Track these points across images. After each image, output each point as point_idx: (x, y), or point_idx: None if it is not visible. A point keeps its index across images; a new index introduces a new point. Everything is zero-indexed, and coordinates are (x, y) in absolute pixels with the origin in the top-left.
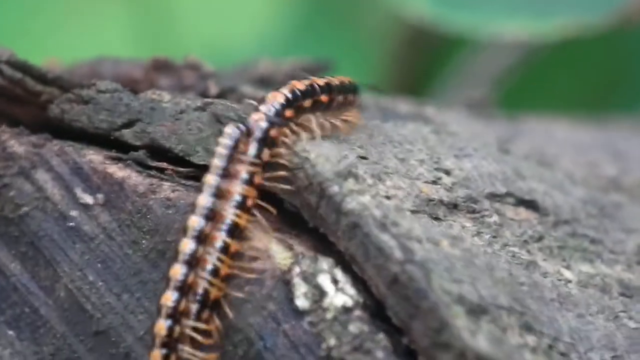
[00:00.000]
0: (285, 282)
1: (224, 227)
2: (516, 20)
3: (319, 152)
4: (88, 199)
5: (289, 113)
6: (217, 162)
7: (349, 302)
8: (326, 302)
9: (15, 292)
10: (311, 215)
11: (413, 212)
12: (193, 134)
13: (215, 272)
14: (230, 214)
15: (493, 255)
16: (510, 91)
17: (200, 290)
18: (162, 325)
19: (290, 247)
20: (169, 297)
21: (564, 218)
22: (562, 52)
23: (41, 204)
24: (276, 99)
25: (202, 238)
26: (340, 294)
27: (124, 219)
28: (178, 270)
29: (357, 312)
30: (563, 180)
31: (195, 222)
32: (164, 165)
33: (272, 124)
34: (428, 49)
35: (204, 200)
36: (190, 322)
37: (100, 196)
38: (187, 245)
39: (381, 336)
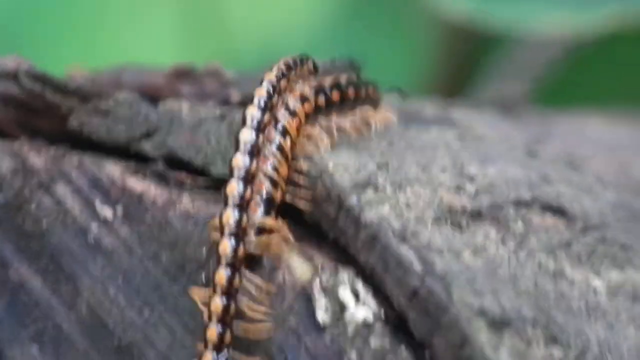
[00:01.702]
0: (305, 295)
1: (279, 127)
2: (558, 13)
3: (337, 162)
4: (107, 212)
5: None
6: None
7: (370, 316)
8: (347, 315)
9: (37, 308)
10: (330, 226)
11: (434, 221)
12: (212, 145)
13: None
14: (283, 117)
15: (518, 265)
16: (551, 88)
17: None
18: (229, 215)
19: (310, 259)
20: (234, 187)
21: (593, 223)
22: (606, 47)
23: (61, 217)
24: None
25: (261, 129)
26: (361, 307)
27: (144, 232)
28: (240, 159)
29: (378, 326)
30: (593, 183)
31: (254, 112)
32: (183, 176)
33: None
34: (469, 44)
35: (262, 91)
36: (257, 215)
37: (119, 209)
38: (249, 136)
39: (403, 350)
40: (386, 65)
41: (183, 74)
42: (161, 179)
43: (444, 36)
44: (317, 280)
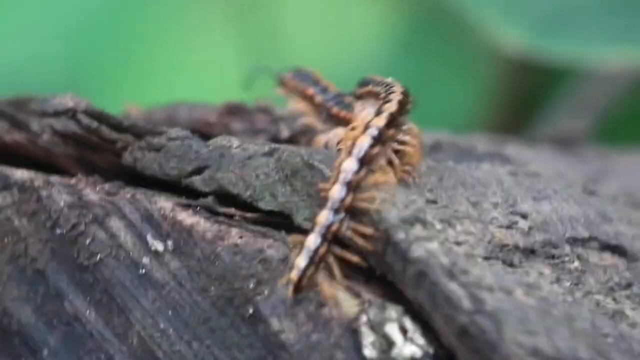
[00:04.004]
0: (352, 331)
1: None
2: (618, 47)
3: (384, 197)
4: (159, 245)
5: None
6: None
7: (418, 353)
8: (394, 352)
9: (91, 339)
10: (378, 262)
11: (485, 258)
12: (260, 180)
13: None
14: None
15: (573, 305)
16: (613, 124)
17: None
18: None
19: (357, 294)
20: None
21: None
22: None
23: (114, 251)
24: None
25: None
26: (408, 344)
27: (193, 266)
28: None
29: None
30: None
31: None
32: (232, 211)
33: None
34: (530, 78)
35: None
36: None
37: (170, 243)
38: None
39: None
40: (444, 96)
41: (234, 111)
42: (211, 213)
43: (504, 69)
44: (365, 316)
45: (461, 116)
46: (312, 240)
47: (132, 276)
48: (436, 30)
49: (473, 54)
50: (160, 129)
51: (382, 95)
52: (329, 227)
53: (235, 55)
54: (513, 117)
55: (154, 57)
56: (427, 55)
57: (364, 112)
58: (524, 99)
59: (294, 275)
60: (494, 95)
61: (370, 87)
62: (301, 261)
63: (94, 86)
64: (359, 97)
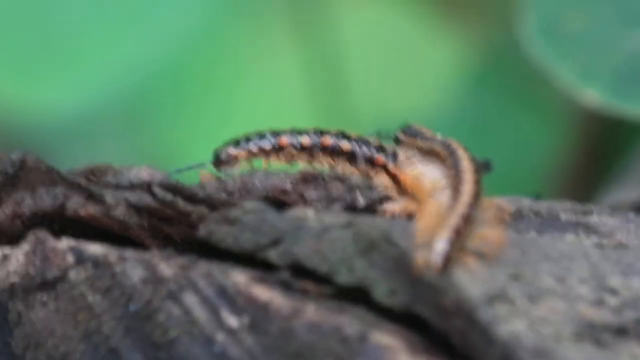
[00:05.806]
0: None
1: None
2: None
3: (466, 272)
4: (233, 322)
5: None
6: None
7: None
8: None
9: None
10: (460, 340)
11: (573, 339)
12: (337, 254)
13: None
14: None
15: None
16: None
17: None
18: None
19: None
20: None
21: None
22: None
23: (188, 327)
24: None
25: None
26: None
27: (269, 343)
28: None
29: None
30: None
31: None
32: (308, 286)
33: None
34: (608, 133)
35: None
36: None
37: (245, 319)
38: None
39: None
40: (516, 143)
41: (309, 178)
42: (286, 287)
43: (580, 119)
44: None
45: (533, 169)
46: (453, 220)
47: (207, 353)
48: (510, 75)
49: (549, 102)
50: (234, 200)
51: (451, 177)
52: (473, 199)
53: (300, 97)
54: (589, 170)
55: (224, 90)
56: (500, 101)
57: (414, 168)
58: (601, 152)
59: (438, 259)
60: (570, 145)
61: (426, 144)
62: (441, 244)
63: (167, 119)
64: (398, 142)
